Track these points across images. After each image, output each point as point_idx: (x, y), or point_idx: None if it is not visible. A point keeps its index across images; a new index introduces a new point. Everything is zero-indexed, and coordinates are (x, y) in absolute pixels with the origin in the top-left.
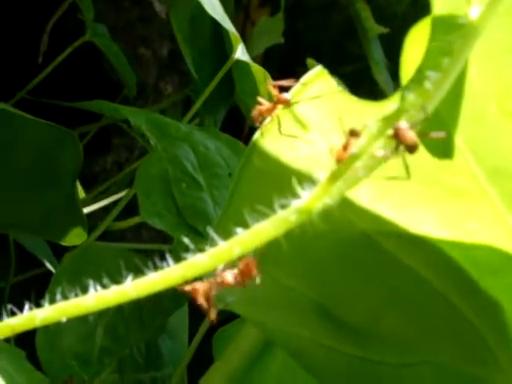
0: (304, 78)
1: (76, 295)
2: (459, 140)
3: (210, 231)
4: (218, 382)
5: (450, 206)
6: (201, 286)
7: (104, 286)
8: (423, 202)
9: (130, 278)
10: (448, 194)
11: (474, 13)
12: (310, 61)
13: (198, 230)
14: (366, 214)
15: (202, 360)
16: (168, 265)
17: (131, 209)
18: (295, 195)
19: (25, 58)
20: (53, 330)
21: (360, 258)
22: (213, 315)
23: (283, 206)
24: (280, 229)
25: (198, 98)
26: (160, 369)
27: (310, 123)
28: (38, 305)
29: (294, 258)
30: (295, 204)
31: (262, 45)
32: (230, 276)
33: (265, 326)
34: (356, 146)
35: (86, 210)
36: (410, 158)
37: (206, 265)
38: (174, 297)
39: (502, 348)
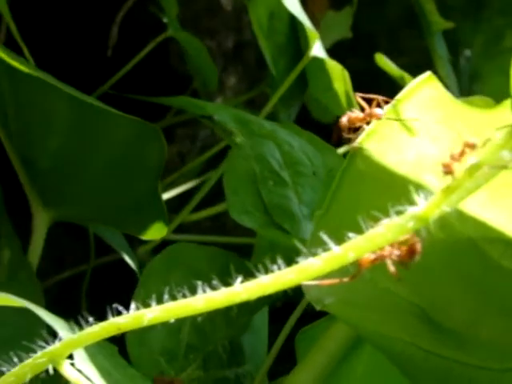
0: (412, 83)
1: (184, 296)
2: None
3: (321, 234)
4: (303, 383)
5: None
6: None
7: (214, 288)
8: None
9: (239, 279)
10: None
11: None
12: (378, 56)
13: (284, 229)
14: (472, 221)
15: (282, 359)
16: (279, 268)
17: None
18: (410, 202)
19: (96, 52)
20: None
21: (463, 264)
22: None
23: (397, 212)
24: (396, 235)
25: (274, 94)
26: (241, 365)
27: (417, 128)
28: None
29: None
30: (412, 211)
31: (329, 39)
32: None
33: (362, 329)
34: (478, 156)
35: None
36: None
37: (319, 269)
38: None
39: None
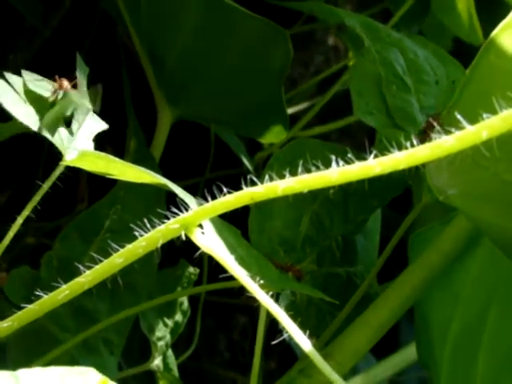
0: None
1: (318, 168)
2: None
3: (457, 114)
4: (414, 283)
5: None
6: None
7: (347, 162)
8: None
9: (373, 154)
10: None
11: None
12: None
13: (405, 131)
14: None
15: (393, 263)
16: (412, 145)
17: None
18: None
19: None
20: (264, 212)
21: None
22: None
23: None
24: None
25: (397, 12)
26: (353, 265)
27: None
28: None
29: None
30: None
31: None
32: None
33: (481, 221)
34: None
35: None
36: None
37: (453, 146)
38: (380, 194)
39: None
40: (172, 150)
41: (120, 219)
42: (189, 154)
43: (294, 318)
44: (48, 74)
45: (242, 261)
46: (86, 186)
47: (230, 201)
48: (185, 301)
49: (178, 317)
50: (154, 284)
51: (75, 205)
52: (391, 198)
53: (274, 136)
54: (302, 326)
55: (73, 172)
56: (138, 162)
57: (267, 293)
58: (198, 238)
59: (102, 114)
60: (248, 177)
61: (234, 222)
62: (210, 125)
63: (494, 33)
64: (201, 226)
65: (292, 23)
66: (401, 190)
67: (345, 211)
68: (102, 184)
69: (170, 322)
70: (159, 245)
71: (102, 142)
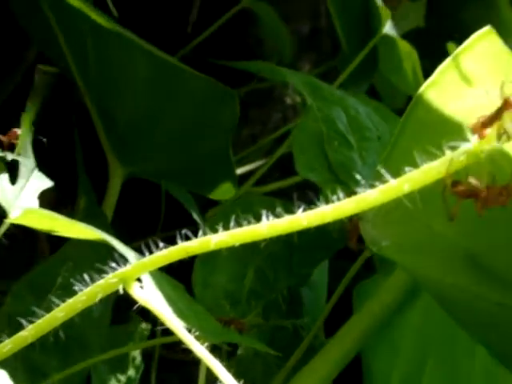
0: (472, 37)
1: (249, 223)
2: None
3: (380, 168)
4: (356, 333)
5: None
6: None
7: (277, 216)
8: None
9: (301, 208)
10: None
11: None
12: (450, 45)
13: (348, 186)
14: None
15: (340, 314)
16: (339, 198)
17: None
18: (463, 139)
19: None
20: (208, 267)
21: None
22: None
23: (453, 149)
24: (450, 169)
25: (345, 70)
26: (300, 317)
27: (475, 79)
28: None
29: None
30: (464, 146)
31: (402, 27)
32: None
33: (414, 272)
34: None
35: None
36: None
37: (376, 200)
38: (324, 247)
39: None
40: (126, 207)
41: (72, 276)
42: (142, 210)
43: (239, 369)
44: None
45: (181, 314)
46: (47, 242)
47: (165, 255)
48: (138, 356)
49: (131, 372)
50: (106, 340)
51: (37, 260)
52: (336, 251)
53: (223, 193)
54: (248, 378)
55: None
56: (88, 219)
57: (203, 344)
58: (135, 291)
59: (54, 171)
60: (183, 232)
61: None
62: (160, 182)
63: (421, 89)
64: (140, 280)
65: (249, 81)
66: (344, 243)
67: (289, 264)
68: (63, 239)
69: (122, 378)
70: (97, 299)
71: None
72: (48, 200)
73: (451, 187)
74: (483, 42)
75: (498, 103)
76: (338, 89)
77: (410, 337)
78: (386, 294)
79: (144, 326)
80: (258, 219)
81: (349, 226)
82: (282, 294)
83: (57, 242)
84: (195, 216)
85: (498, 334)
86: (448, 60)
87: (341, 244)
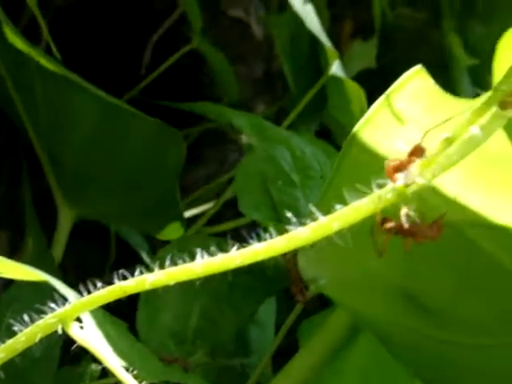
0: (403, 76)
1: (184, 261)
2: None
3: (312, 207)
4: (301, 371)
5: None
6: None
7: (211, 254)
8: (506, 193)
9: (235, 247)
10: None
11: None
12: None
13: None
14: (453, 204)
15: (288, 350)
16: (271, 236)
17: (220, 218)
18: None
19: (129, 65)
20: (153, 307)
21: (444, 246)
22: None
23: (380, 186)
24: (377, 206)
25: (293, 110)
26: (247, 356)
27: (407, 117)
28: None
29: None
30: (392, 184)
31: (354, 67)
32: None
33: (353, 310)
34: (450, 131)
35: None
36: (495, 150)
37: (307, 238)
38: (267, 286)
39: None
40: (75, 248)
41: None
42: (95, 250)
43: None
44: None
45: (121, 353)
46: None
47: (103, 295)
48: None
49: None
50: (53, 381)
51: None
52: (280, 289)
53: (171, 233)
54: None
55: None
56: (36, 261)
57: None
58: (74, 331)
59: (3, 214)
60: (120, 271)
61: None
62: (110, 224)
63: (355, 128)
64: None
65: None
66: (287, 281)
67: (233, 304)
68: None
69: None
70: (37, 339)
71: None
72: None
73: (380, 224)
74: (414, 81)
75: (430, 143)
76: (288, 129)
77: (354, 374)
78: (329, 331)
79: (93, 367)
80: (193, 257)
81: (288, 265)
82: (228, 332)
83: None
84: (144, 256)
85: (438, 371)
86: (380, 99)
87: (285, 282)
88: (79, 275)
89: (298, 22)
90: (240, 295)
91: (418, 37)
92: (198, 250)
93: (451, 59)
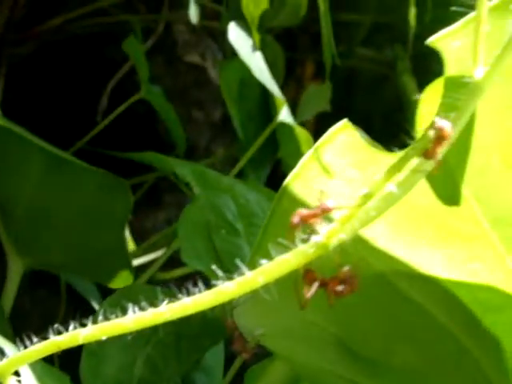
0: (331, 130)
1: (117, 316)
2: (466, 189)
3: (238, 262)
4: None
5: (457, 248)
6: None
7: (142, 309)
8: (433, 244)
9: (165, 302)
10: (455, 237)
11: (478, 73)
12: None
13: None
14: (382, 255)
15: None
16: (200, 291)
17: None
18: (315, 232)
19: (86, 114)
20: (97, 357)
21: (376, 296)
22: None
23: (304, 241)
24: (300, 261)
25: (242, 157)
26: None
27: (335, 171)
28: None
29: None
30: (314, 239)
31: (309, 111)
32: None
33: (291, 360)
34: (368, 187)
35: (135, 263)
36: (422, 202)
37: (233, 292)
38: (211, 334)
39: (501, 380)
40: (25, 298)
41: None
42: (45, 299)
43: None
44: None
45: None
46: None
47: (38, 350)
48: None
49: None
50: None
51: None
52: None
53: (121, 281)
54: None
55: None
56: None
57: None
58: None
59: None
60: (55, 326)
61: None
62: (59, 272)
63: (286, 181)
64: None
65: None
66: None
67: (178, 352)
68: None
69: None
70: None
71: None
72: None
73: (302, 278)
74: (341, 135)
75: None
76: (238, 175)
77: None
78: (270, 379)
79: None
80: (125, 312)
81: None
82: (174, 381)
83: None
84: (94, 304)
85: None
86: (310, 152)
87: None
88: (30, 324)
89: (247, 67)
90: (186, 344)
91: (380, 78)
92: (130, 305)
93: (406, 100)
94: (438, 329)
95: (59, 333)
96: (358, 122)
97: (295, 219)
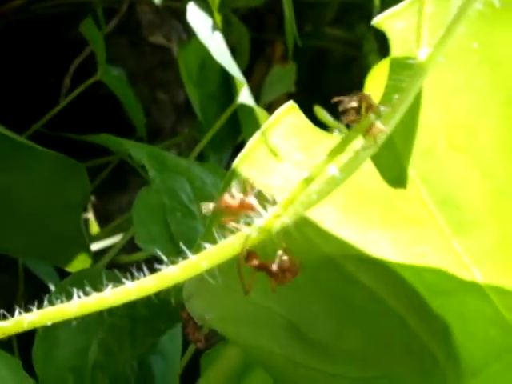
0: (277, 112)
1: (61, 302)
2: (412, 171)
3: (183, 246)
4: None
5: (404, 231)
6: None
7: (86, 294)
8: (380, 227)
9: (109, 286)
10: (402, 220)
11: (422, 54)
12: (317, 108)
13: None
14: (330, 238)
15: (193, 381)
16: (144, 275)
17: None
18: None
19: (46, 97)
20: (49, 341)
21: (324, 279)
22: None
23: (248, 225)
24: (244, 245)
25: (202, 139)
26: None
27: (282, 153)
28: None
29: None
30: (257, 222)
31: (274, 92)
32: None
33: (241, 343)
34: (308, 171)
35: (98, 245)
36: (368, 185)
37: (177, 276)
38: (166, 318)
39: (449, 363)
40: None
41: None
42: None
43: None
44: None
45: None
46: None
47: None
48: None
49: None
50: None
51: None
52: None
53: (78, 264)
54: None
55: None
56: None
57: None
58: None
59: None
60: (1, 311)
61: None
62: (17, 256)
63: (234, 163)
64: None
65: None
66: None
67: (132, 336)
68: None
69: None
70: None
71: None
72: None
73: (245, 261)
74: (288, 117)
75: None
76: (198, 157)
77: None
78: (224, 362)
79: None
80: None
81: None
82: (130, 364)
83: None
84: (52, 288)
85: None
86: (257, 135)
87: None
88: None
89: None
90: (141, 327)
91: (349, 58)
92: (74, 290)
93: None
94: (386, 312)
95: (4, 317)
96: (327, 102)
97: (222, 204)
